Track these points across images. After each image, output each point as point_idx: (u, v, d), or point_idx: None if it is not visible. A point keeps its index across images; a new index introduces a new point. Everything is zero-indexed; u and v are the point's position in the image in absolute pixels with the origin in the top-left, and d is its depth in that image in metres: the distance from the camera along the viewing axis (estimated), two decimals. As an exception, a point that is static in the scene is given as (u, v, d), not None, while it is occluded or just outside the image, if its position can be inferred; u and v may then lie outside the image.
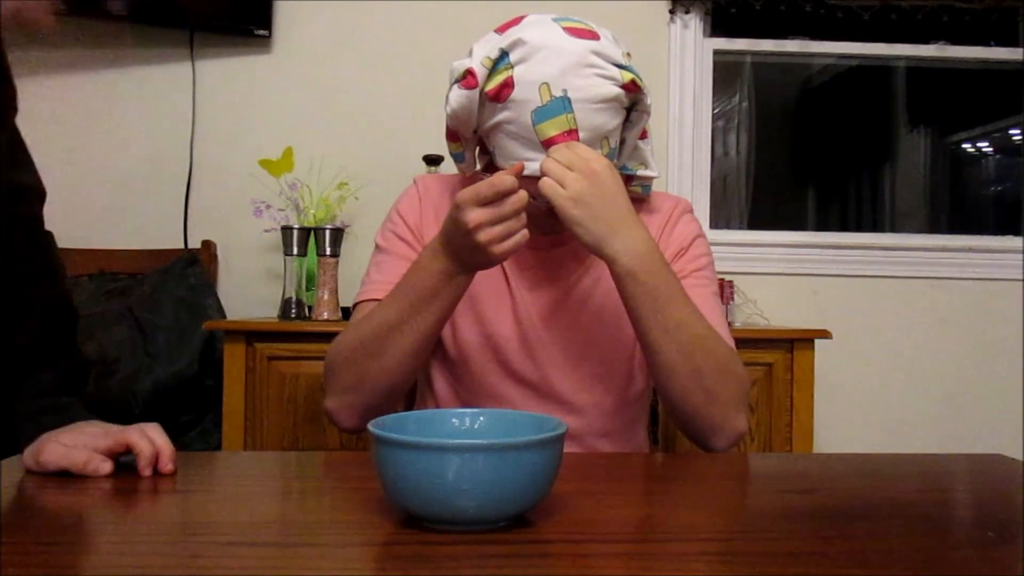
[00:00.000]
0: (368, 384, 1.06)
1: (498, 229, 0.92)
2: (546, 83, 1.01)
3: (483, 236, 0.92)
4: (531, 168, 1.02)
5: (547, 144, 1.02)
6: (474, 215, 0.92)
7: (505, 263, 1.13)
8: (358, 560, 0.66)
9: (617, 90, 1.03)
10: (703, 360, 1.02)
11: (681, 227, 1.18)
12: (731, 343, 1.08)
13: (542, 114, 1.01)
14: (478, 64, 1.04)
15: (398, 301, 1.03)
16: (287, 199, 2.19)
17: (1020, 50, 2.53)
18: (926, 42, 2.55)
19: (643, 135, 1.14)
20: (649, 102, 1.08)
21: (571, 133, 1.02)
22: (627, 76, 1.04)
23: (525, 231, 0.94)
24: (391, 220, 1.20)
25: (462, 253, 0.96)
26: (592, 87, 1.02)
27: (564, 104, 1.01)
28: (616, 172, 1.02)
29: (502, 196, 0.92)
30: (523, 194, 0.92)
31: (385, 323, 1.04)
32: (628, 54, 1.07)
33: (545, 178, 0.99)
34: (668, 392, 1.04)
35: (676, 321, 1.00)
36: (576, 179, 0.98)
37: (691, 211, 1.21)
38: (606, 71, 1.02)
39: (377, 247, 1.19)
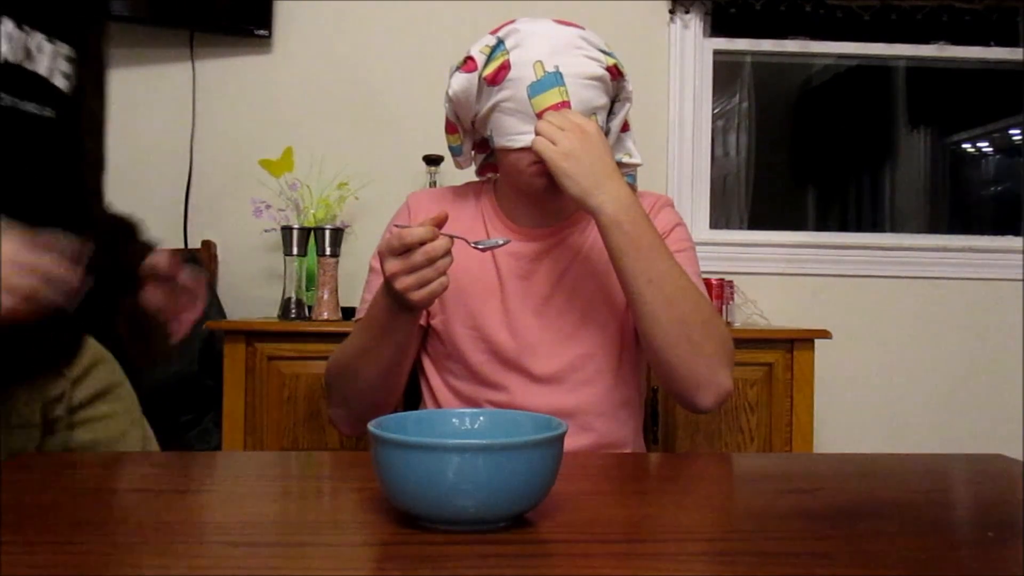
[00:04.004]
0: (352, 401, 1.16)
1: (410, 279, 0.96)
2: (539, 61, 1.10)
3: (399, 285, 0.97)
4: (525, 140, 1.11)
5: (542, 116, 1.10)
6: (389, 265, 0.97)
7: (496, 255, 1.19)
8: (358, 560, 0.66)
9: (602, 71, 1.12)
10: (687, 311, 1.07)
11: (663, 216, 1.23)
12: (713, 306, 1.13)
13: (536, 88, 1.10)
14: (476, 52, 1.13)
15: (364, 331, 1.11)
16: (287, 199, 2.19)
17: (1020, 50, 2.53)
18: (926, 42, 2.55)
19: (625, 127, 1.22)
20: (631, 88, 1.18)
21: (564, 104, 1.10)
22: (610, 61, 1.14)
23: (444, 279, 0.97)
24: (383, 239, 1.22)
25: (393, 297, 1.01)
26: (581, 65, 1.11)
27: (557, 78, 1.10)
28: (603, 134, 1.10)
29: (413, 247, 0.95)
30: (439, 244, 0.95)
31: (355, 350, 1.12)
32: (607, 46, 1.16)
33: (538, 137, 1.08)
34: (653, 343, 1.08)
35: (659, 271, 1.06)
36: (567, 136, 1.06)
37: (672, 205, 1.27)
38: (592, 54, 1.12)
39: (370, 267, 1.23)
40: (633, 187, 1.22)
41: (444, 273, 0.97)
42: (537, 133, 1.08)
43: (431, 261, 0.95)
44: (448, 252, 0.96)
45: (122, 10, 2.32)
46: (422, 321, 1.20)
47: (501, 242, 1.05)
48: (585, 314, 1.18)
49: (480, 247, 1.04)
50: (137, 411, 1.24)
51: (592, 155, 1.06)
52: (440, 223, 0.97)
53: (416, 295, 0.97)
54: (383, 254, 0.98)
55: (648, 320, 1.07)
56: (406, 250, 0.95)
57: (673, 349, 1.07)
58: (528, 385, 1.16)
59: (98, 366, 1.18)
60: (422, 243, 0.95)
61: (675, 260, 1.08)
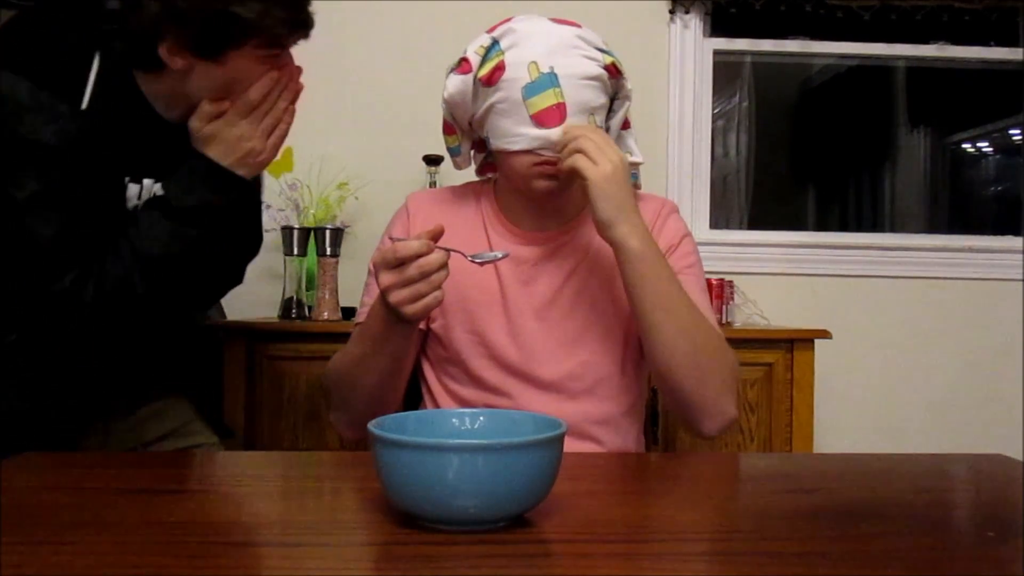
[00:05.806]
0: (351, 405, 1.16)
1: (404, 292, 0.96)
2: (534, 61, 1.09)
3: (393, 298, 0.97)
4: (522, 143, 1.10)
5: (537, 117, 1.09)
6: (383, 278, 0.97)
7: (498, 260, 1.16)
8: (358, 560, 0.66)
9: (600, 70, 1.11)
10: (699, 340, 1.07)
11: (670, 225, 1.22)
12: (721, 334, 1.13)
13: (531, 89, 1.09)
14: (472, 53, 1.12)
15: (361, 339, 1.11)
16: (287, 199, 2.19)
17: (1020, 50, 2.53)
18: (926, 42, 2.55)
19: (626, 125, 1.21)
20: (630, 87, 1.16)
21: (559, 106, 1.09)
22: (608, 59, 1.12)
23: (438, 293, 0.97)
24: (382, 242, 1.23)
25: (388, 309, 1.00)
26: (577, 65, 1.10)
27: (552, 79, 1.08)
28: (627, 166, 1.09)
29: (408, 260, 0.95)
30: (434, 258, 0.95)
31: (353, 358, 1.12)
32: (606, 44, 1.15)
33: (579, 155, 1.05)
34: (665, 371, 1.08)
35: (674, 301, 1.07)
36: (609, 160, 1.05)
37: (677, 211, 1.26)
38: (589, 53, 1.11)
39: (370, 269, 1.22)
40: (637, 186, 1.22)
41: (439, 287, 0.96)
42: (579, 149, 1.05)
43: (425, 275, 0.95)
44: (443, 266, 0.95)
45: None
46: (422, 325, 1.19)
47: (500, 255, 1.05)
48: (588, 319, 1.17)
49: (478, 261, 1.03)
50: (211, 439, 1.43)
51: (625, 185, 1.06)
52: (436, 236, 0.96)
53: (410, 309, 0.96)
54: (377, 266, 0.97)
55: (660, 348, 1.07)
56: (400, 263, 0.95)
57: (684, 378, 1.07)
58: (530, 391, 1.15)
59: (168, 411, 1.38)
60: (417, 256, 0.94)
61: (683, 288, 1.08)
